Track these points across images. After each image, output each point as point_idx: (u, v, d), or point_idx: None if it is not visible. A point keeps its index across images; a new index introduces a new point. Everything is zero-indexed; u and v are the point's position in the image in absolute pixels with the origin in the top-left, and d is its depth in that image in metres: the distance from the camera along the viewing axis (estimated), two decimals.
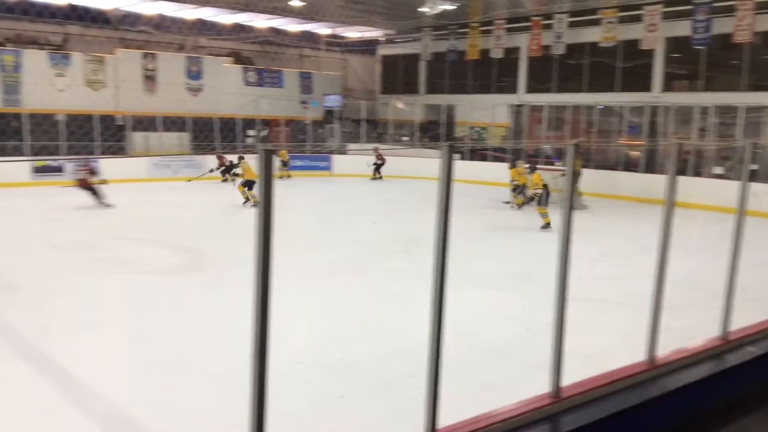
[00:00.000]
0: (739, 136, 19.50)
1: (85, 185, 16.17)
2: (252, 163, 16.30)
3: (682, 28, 20.78)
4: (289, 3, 22.82)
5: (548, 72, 25.16)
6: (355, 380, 6.09)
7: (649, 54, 21.91)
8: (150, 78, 24.75)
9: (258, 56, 30.18)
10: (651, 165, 21.34)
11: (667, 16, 21.06)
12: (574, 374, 3.54)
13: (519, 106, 26.08)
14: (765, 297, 7.75)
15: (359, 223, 14.72)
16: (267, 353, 2.31)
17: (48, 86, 22.33)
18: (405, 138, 28.99)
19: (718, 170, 19.61)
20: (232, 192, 17.89)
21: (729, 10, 19.31)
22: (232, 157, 21.05)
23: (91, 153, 22.01)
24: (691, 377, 3.63)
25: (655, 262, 3.75)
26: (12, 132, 21.28)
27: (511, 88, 26.53)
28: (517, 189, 17.78)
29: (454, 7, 23.97)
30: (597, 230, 14.21)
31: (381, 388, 5.87)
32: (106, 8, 23.54)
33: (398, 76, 31.12)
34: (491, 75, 27.25)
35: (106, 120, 23.14)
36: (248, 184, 16.73)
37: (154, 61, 24.85)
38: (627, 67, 22.89)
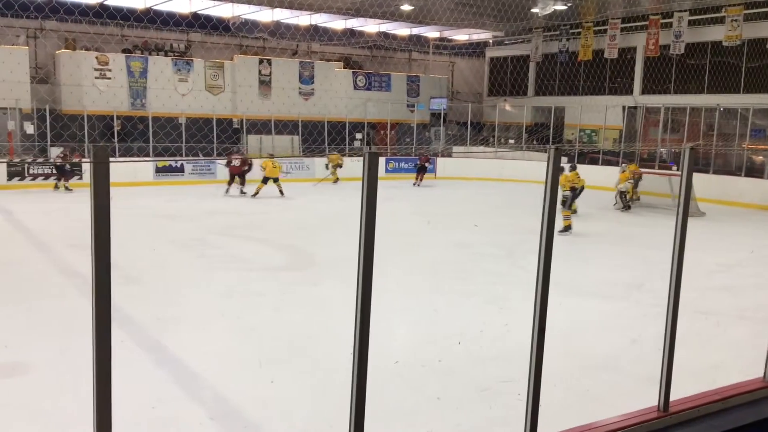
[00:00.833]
0: None
1: (237, 171, 18.93)
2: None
3: None
4: (399, 7, 23.05)
5: (666, 72, 24.11)
6: (453, 382, 6.08)
7: None
8: (265, 83, 25.73)
9: (367, 60, 30.71)
10: None
11: None
12: (684, 388, 3.39)
13: (633, 107, 25.12)
14: None
15: (461, 226, 14.65)
16: (367, 352, 2.36)
17: (171, 91, 23.72)
18: (511, 140, 28.58)
19: None
20: (340, 193, 18.29)
21: None
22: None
23: (209, 155, 23.16)
24: None
25: None
26: (138, 134, 22.74)
27: (626, 90, 25.60)
28: (625, 196, 17.22)
29: (566, 7, 23.41)
30: (715, 239, 13.46)
31: (478, 392, 5.83)
32: (226, 16, 24.70)
33: (506, 78, 30.75)
34: (604, 76, 26.43)
35: (223, 123, 24.27)
36: (265, 180, 18.56)
37: (269, 66, 25.82)
38: (752, 67, 21.54)
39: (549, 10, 23.51)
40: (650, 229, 14.97)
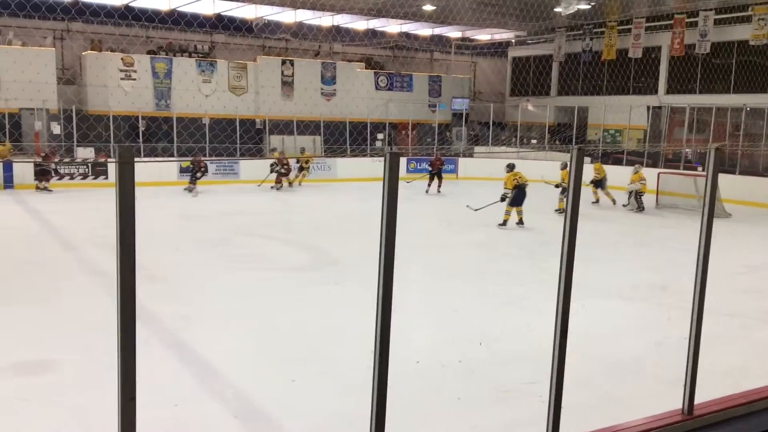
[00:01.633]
0: None
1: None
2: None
3: None
4: (422, 7, 23.03)
5: (691, 72, 23.83)
6: (473, 383, 6.07)
7: None
8: (287, 83, 25.86)
9: (389, 61, 30.73)
10: None
11: None
12: (709, 391, 3.35)
13: (658, 107, 24.85)
14: None
15: (482, 226, 14.60)
16: (388, 352, 2.37)
17: (195, 92, 23.93)
18: (533, 141, 28.41)
19: None
20: (361, 193, 18.31)
21: None
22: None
23: (232, 155, 23.34)
24: None
25: None
26: (162, 134, 22.98)
27: (650, 89, 25.34)
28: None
29: (590, 7, 23.22)
30: (740, 240, 13.28)
31: (499, 393, 5.81)
32: (250, 17, 24.86)
33: (529, 77, 30.59)
34: (628, 75, 26.19)
35: (246, 123, 24.44)
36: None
37: (291, 67, 25.94)
38: None
39: (572, 9, 23.34)
40: (675, 230, 14.81)
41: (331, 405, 5.54)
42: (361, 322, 6.26)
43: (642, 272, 10.67)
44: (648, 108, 24.88)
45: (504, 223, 14.36)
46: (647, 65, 25.37)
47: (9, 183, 18.54)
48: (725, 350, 6.97)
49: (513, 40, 31.01)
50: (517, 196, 14.40)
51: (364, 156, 23.62)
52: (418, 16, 24.65)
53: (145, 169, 18.38)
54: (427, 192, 20.06)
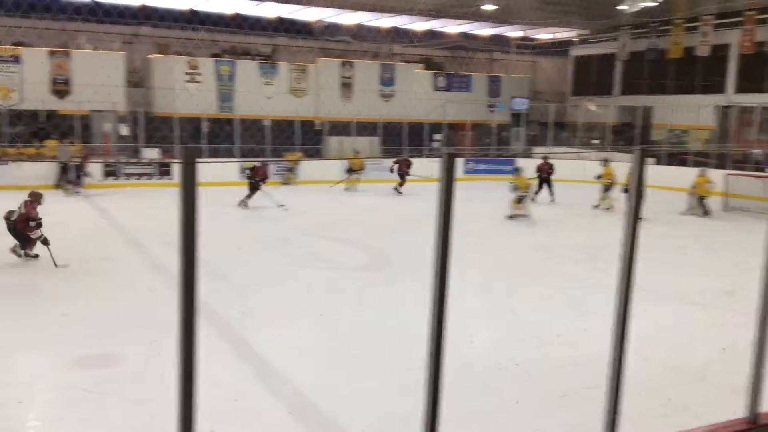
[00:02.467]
0: None
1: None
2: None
3: None
4: (481, 8, 22.87)
5: (762, 70, 22.91)
6: (530, 386, 5.99)
7: None
8: (347, 85, 26.08)
9: (448, 61, 30.62)
10: None
11: None
12: None
13: (726, 107, 23.99)
14: None
15: (541, 227, 14.40)
16: (442, 352, 2.37)
17: (257, 94, 24.38)
18: (595, 141, 27.82)
19: None
20: (420, 193, 18.30)
21: None
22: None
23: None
24: None
25: None
26: (225, 136, 23.50)
27: (718, 88, 24.50)
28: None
29: (656, 4, 22.61)
30: None
31: (557, 398, 5.72)
32: (310, 20, 25.18)
33: (591, 77, 29.99)
34: (695, 74, 25.38)
35: (306, 125, 24.76)
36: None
37: (351, 69, 26.15)
38: None
39: (637, 6, 22.79)
40: (744, 234, 14.26)
41: (385, 405, 5.57)
42: (417, 321, 6.27)
43: (709, 277, 10.33)
44: (716, 107, 24.05)
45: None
46: (715, 63, 24.53)
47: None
48: None
49: (575, 39, 30.47)
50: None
51: (421, 156, 23.57)
52: (477, 16, 24.50)
53: (207, 169, 18.79)
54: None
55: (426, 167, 20.80)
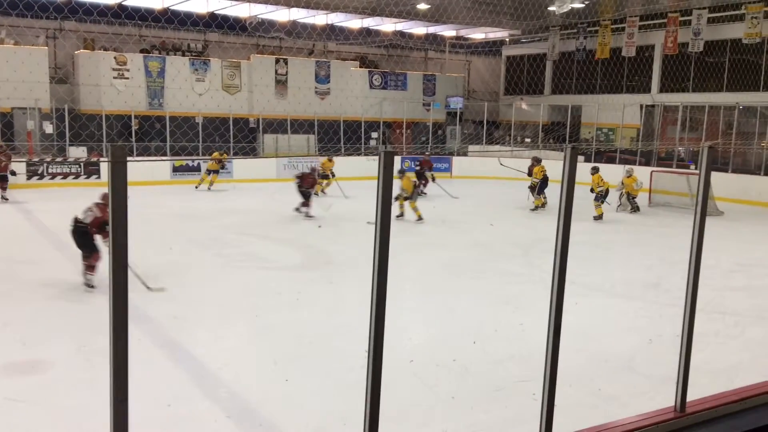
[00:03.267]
0: None
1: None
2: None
3: None
4: (416, 6, 23.02)
5: (684, 70, 23.91)
6: (468, 382, 6.07)
7: None
8: (281, 82, 25.82)
9: (383, 59, 30.72)
10: None
11: None
12: (702, 389, 3.36)
13: (651, 106, 24.92)
14: None
15: (477, 225, 14.63)
16: (382, 350, 2.37)
17: (188, 90, 23.86)
18: (527, 139, 28.46)
19: None
20: (355, 192, 18.30)
21: None
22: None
23: (225, 154, 23.31)
24: None
25: None
26: (155, 133, 22.92)
27: (643, 88, 25.44)
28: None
29: (583, 5, 23.27)
30: (733, 238, 13.33)
31: (493, 392, 5.82)
32: (243, 16, 24.80)
33: (522, 76, 30.63)
34: (622, 74, 26.27)
35: (240, 122, 24.39)
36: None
37: (285, 66, 25.90)
38: None
39: (566, 8, 23.36)
40: (668, 228, 14.87)
41: (325, 404, 5.54)
42: (355, 320, 6.26)
43: (635, 270, 10.70)
44: (641, 107, 24.95)
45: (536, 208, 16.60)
46: (641, 64, 25.45)
47: None
48: (718, 347, 7.00)
49: (507, 39, 31.05)
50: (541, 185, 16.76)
51: (359, 155, 23.60)
52: (412, 15, 24.64)
53: (137, 168, 18.33)
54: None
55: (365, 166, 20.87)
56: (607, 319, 8.14)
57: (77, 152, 21.18)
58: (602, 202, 15.77)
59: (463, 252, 11.92)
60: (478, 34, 30.38)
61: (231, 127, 23.78)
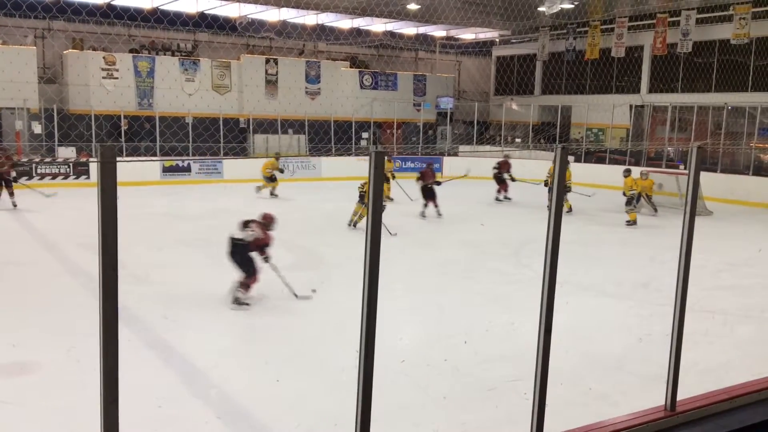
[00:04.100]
0: None
1: None
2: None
3: None
4: (406, 6, 23.03)
5: (673, 71, 24.06)
6: (459, 381, 6.08)
7: None
8: (271, 82, 25.76)
9: (374, 60, 30.72)
10: None
11: None
12: (691, 388, 3.38)
13: (640, 106, 25.05)
14: None
15: (468, 225, 14.65)
16: (373, 351, 2.37)
17: (178, 90, 23.77)
18: (518, 140, 28.54)
19: None
20: (346, 192, 18.26)
21: None
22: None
23: (215, 154, 23.22)
24: None
25: None
26: (145, 134, 22.82)
27: (633, 88, 25.56)
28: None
29: (573, 6, 23.36)
30: (722, 238, 13.41)
31: (484, 392, 5.83)
32: (233, 16, 24.73)
33: (513, 77, 30.70)
34: (611, 74, 26.38)
35: (230, 122, 24.32)
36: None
37: (275, 66, 25.84)
38: (760, 66, 21.47)
39: (556, 8, 23.43)
40: (658, 228, 14.94)
41: (316, 405, 5.53)
42: (347, 321, 6.25)
43: (626, 270, 10.75)
44: (631, 107, 25.07)
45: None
46: (630, 64, 25.57)
47: None
48: (708, 347, 7.04)
49: (497, 40, 31.11)
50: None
51: (349, 155, 23.58)
52: (402, 15, 24.65)
53: (127, 168, 18.24)
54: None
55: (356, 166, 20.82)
56: (597, 318, 8.17)
57: (66, 152, 21.05)
58: (634, 207, 15.35)
59: (453, 252, 11.93)
60: (468, 35, 30.43)
61: (221, 127, 23.69)
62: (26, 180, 19.22)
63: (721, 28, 22.01)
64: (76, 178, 19.88)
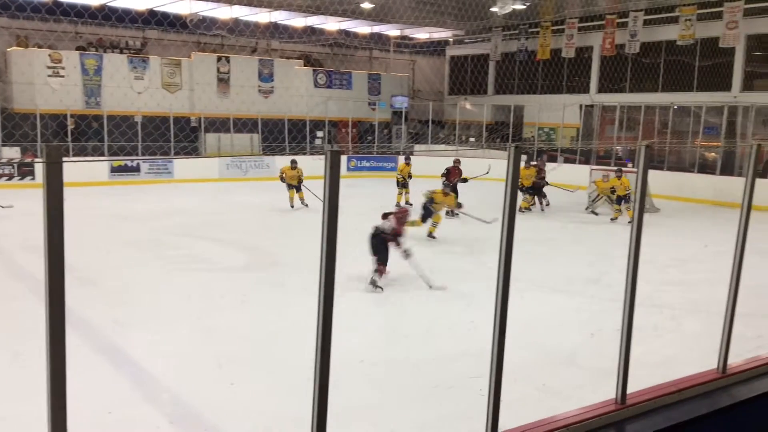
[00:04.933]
0: None
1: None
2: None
3: (765, 25, 19.93)
4: (360, 5, 23.02)
5: (622, 71, 24.61)
6: (418, 380, 6.10)
7: (729, 52, 21.13)
8: (223, 81, 25.43)
9: (328, 58, 30.61)
10: (728, 167, 20.56)
11: (749, 13, 20.24)
12: (641, 381, 3.46)
13: (590, 106, 25.57)
14: None
15: (425, 224, 14.69)
16: (330, 350, 2.35)
17: (127, 89, 23.26)
18: (472, 139, 28.82)
19: None
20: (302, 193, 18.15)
21: None
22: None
23: (166, 153, 22.81)
24: (764, 387, 3.49)
25: (729, 268, 3.62)
26: (92, 133, 22.27)
27: (583, 88, 26.05)
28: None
29: (525, 7, 23.69)
30: (669, 234, 13.78)
31: (444, 389, 5.87)
32: (184, 13, 24.32)
33: (466, 76, 30.98)
34: (562, 75, 26.85)
35: (181, 121, 23.92)
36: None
37: (227, 64, 25.52)
38: (705, 66, 22.12)
39: (508, 9, 23.73)
40: (607, 225, 15.27)
41: (271, 407, 5.48)
42: (303, 321, 6.20)
43: (577, 267, 10.95)
44: (581, 106, 25.56)
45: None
46: (580, 65, 26.06)
47: None
48: (656, 341, 7.23)
49: (451, 39, 31.35)
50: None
51: (304, 154, 23.44)
52: (356, 14, 24.62)
53: (74, 169, 17.77)
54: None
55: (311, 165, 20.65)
56: (550, 314, 8.30)
57: (10, 153, 20.40)
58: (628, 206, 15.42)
59: (412, 250, 11.95)
60: (422, 34, 30.58)
61: (171, 126, 23.28)
62: None
63: (668, 29, 22.60)
64: (21, 179, 19.31)
